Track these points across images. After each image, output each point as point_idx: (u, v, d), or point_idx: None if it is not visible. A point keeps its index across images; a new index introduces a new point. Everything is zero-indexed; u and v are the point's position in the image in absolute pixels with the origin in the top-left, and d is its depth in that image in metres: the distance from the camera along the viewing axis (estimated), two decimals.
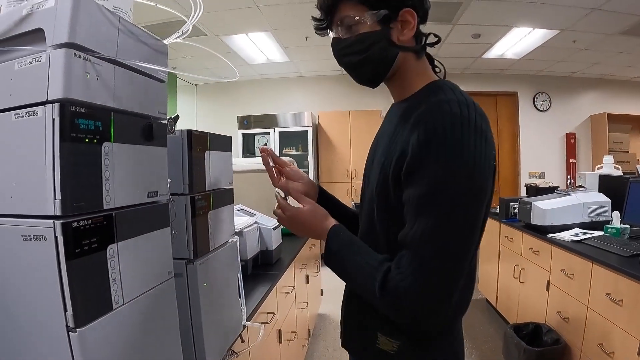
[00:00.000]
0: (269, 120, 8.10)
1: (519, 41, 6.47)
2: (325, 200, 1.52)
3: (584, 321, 3.06)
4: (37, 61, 0.85)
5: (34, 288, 0.87)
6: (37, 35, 0.88)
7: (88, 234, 0.87)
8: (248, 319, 1.81)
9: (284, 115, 8.06)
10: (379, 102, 8.08)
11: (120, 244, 0.97)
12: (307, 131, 7.96)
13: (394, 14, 1.17)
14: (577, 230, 3.58)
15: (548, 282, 3.59)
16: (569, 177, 6.54)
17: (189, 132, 1.33)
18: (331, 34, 1.27)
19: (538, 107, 8.51)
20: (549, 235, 3.56)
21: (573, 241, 3.32)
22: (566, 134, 8.47)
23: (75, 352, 0.86)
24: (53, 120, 0.82)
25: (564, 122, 8.50)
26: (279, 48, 6.96)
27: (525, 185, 5.48)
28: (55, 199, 0.82)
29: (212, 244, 1.50)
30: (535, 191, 4.73)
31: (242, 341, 1.77)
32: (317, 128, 8.27)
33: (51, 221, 0.82)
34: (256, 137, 8.16)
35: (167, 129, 1.18)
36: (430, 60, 1.31)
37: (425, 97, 1.15)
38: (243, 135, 8.11)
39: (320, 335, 4.58)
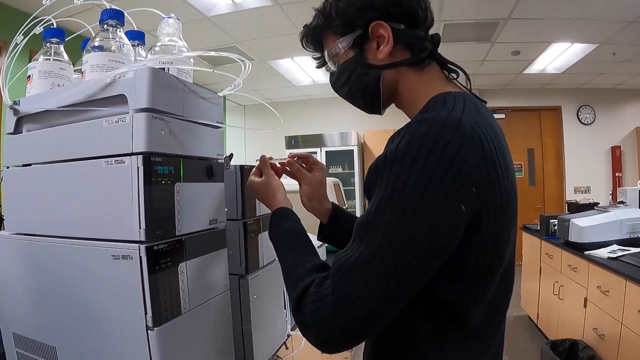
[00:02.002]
0: (316, 140, 8.21)
1: (558, 56, 6.47)
2: (338, 222, 1.43)
3: (619, 338, 3.08)
4: (122, 121, 1.07)
5: (120, 296, 1.09)
6: (120, 99, 1.10)
7: (164, 254, 1.09)
8: (292, 329, 1.94)
9: (331, 134, 8.17)
10: None
11: (188, 262, 1.18)
12: (353, 150, 8.05)
13: (365, 34, 1.08)
14: (614, 247, 3.57)
15: (585, 299, 3.61)
16: (610, 193, 6.48)
17: (241, 167, 1.53)
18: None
19: (582, 120, 8.36)
20: (587, 252, 3.57)
21: (609, 258, 3.34)
22: (611, 147, 8.28)
23: (152, 347, 1.06)
24: (138, 168, 1.03)
25: (609, 135, 8.31)
26: (323, 70, 7.14)
27: (566, 202, 5.47)
28: (140, 228, 1.04)
29: (261, 261, 1.67)
30: (575, 208, 4.71)
31: (287, 348, 1.91)
32: (362, 147, 8.34)
33: (137, 245, 1.04)
34: None
35: (224, 167, 1.39)
36: (451, 66, 1.14)
37: (421, 114, 0.99)
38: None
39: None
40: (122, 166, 1.07)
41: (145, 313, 1.06)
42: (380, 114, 1.20)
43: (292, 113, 8.74)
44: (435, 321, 0.97)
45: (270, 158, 1.40)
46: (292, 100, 8.89)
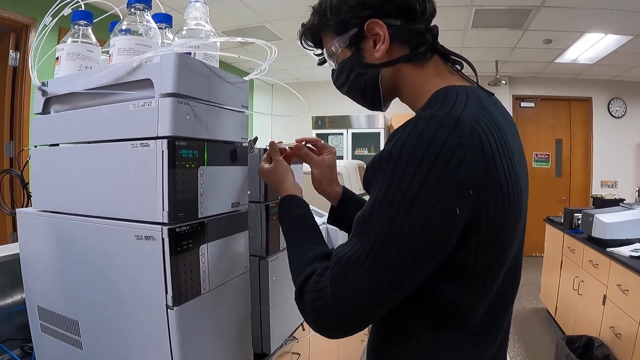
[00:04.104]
0: (343, 121, 8.19)
1: (591, 46, 6.31)
2: (347, 206, 1.44)
3: (635, 338, 3.03)
4: (148, 105, 1.09)
5: (142, 275, 1.12)
6: (146, 83, 1.11)
7: (186, 236, 1.11)
8: None
9: (358, 116, 8.11)
10: None
11: (209, 244, 1.20)
12: (379, 133, 8.01)
13: (361, 32, 1.05)
14: (637, 245, 3.49)
15: (604, 297, 3.56)
16: (637, 189, 6.34)
17: (265, 150, 1.51)
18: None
19: (613, 113, 8.14)
20: (609, 249, 3.51)
21: (631, 257, 3.28)
22: None
23: (171, 325, 1.09)
24: (162, 151, 1.05)
25: None
26: None
27: (591, 197, 5.39)
28: (163, 210, 1.06)
29: (282, 244, 1.68)
30: (600, 203, 4.61)
31: (303, 329, 1.93)
32: (389, 130, 8.23)
33: (159, 226, 1.06)
34: (329, 138, 8.22)
35: (247, 150, 1.40)
36: (456, 58, 1.10)
37: (421, 111, 0.96)
38: (317, 135, 8.06)
39: None
40: (147, 149, 1.09)
41: (166, 292, 1.08)
42: (382, 111, 1.18)
43: (320, 93, 8.46)
44: (435, 319, 0.98)
45: (280, 143, 1.41)
46: (320, 81, 8.71)
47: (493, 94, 1.06)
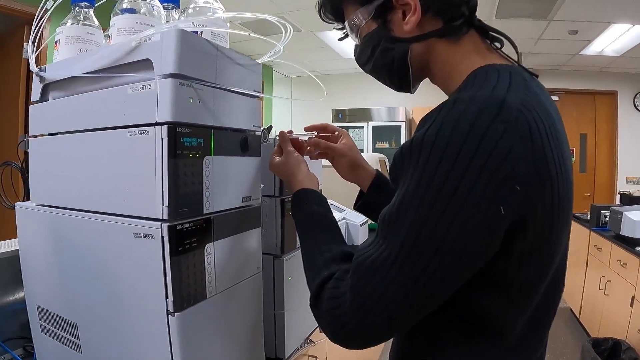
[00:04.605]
0: (363, 114, 8.16)
1: (618, 38, 6.13)
2: (381, 189, 1.35)
3: None
4: (147, 88, 0.99)
5: (141, 277, 1.03)
6: (145, 64, 1.02)
7: (189, 234, 1.01)
8: None
9: (378, 109, 8.08)
10: None
11: (216, 243, 1.10)
12: (400, 126, 7.96)
13: (388, 2, 0.92)
14: None
15: (632, 298, 3.45)
16: None
17: None
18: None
19: (639, 107, 7.90)
20: (638, 248, 3.41)
21: None
22: None
23: (172, 333, 1.00)
24: (162, 139, 0.95)
25: None
26: None
27: (619, 193, 5.26)
28: (163, 205, 0.96)
29: (298, 241, 1.61)
30: (628, 200, 4.49)
31: (320, 332, 1.83)
32: (410, 123, 8.19)
33: (159, 223, 0.96)
34: (350, 131, 8.09)
35: (261, 140, 1.31)
36: (494, 33, 0.97)
37: (457, 92, 0.85)
38: None
39: None
40: (145, 137, 0.99)
41: (166, 297, 0.99)
42: (410, 92, 1.06)
43: (340, 86, 8.51)
44: (467, 332, 0.86)
45: (290, 132, 1.32)
46: (340, 73, 8.67)
47: (537, 76, 0.93)
